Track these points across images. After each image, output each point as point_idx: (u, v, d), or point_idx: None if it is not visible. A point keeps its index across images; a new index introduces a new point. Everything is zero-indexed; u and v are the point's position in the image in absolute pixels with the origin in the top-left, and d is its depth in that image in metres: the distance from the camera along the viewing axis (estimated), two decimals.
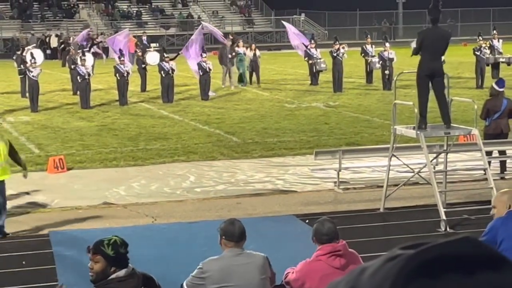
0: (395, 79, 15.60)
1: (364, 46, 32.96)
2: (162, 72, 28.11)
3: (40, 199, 14.53)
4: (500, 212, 7.51)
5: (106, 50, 53.13)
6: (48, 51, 52.26)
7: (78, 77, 27.06)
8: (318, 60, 32.32)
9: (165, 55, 28.63)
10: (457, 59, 38.89)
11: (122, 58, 28.43)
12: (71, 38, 49.10)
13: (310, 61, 32.66)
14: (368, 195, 14.64)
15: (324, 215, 11.96)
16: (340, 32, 54.45)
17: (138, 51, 34.12)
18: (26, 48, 32.68)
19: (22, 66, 29.09)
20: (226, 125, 22.53)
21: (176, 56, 30.19)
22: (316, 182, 15.72)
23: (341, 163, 15.08)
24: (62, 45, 50.98)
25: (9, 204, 13.74)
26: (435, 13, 12.89)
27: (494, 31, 33.53)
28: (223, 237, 6.51)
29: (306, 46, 33.27)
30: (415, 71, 13.09)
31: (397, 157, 13.58)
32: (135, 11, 66.96)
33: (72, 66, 29.62)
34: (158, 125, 22.85)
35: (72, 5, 66.18)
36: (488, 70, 31.24)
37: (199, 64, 28.52)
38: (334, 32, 54.56)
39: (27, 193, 14.97)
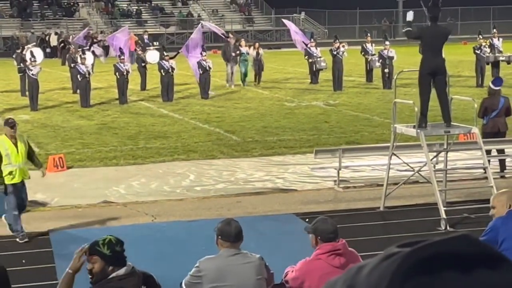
0: (395, 77, 15.60)
1: (364, 45, 32.96)
2: (162, 70, 28.11)
3: (39, 198, 14.52)
4: (500, 212, 7.51)
5: (106, 49, 53.28)
6: (48, 50, 52.24)
7: (78, 76, 27.05)
8: (318, 59, 32.31)
9: (165, 54, 28.63)
10: (457, 58, 38.89)
11: (122, 57, 28.42)
12: (71, 37, 49.11)
13: (310, 60, 32.64)
14: (368, 194, 14.63)
15: (324, 213, 11.98)
16: (340, 31, 54.48)
17: (138, 49, 34.10)
18: (26, 47, 32.68)
19: (22, 64, 29.07)
20: (226, 124, 22.52)
21: (176, 55, 30.17)
22: (316, 180, 15.71)
23: (341, 162, 15.08)
24: (62, 44, 50.97)
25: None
26: (435, 11, 12.89)
27: (494, 30, 33.52)
28: (219, 237, 6.50)
29: (306, 45, 33.26)
30: (415, 69, 13.09)
31: (397, 156, 13.58)
32: (135, 10, 66.94)
33: (72, 65, 29.63)
34: (158, 124, 22.84)
35: (72, 3, 66.15)
36: (488, 68, 31.23)
37: (199, 63, 28.50)
38: (334, 30, 54.61)
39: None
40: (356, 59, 35.18)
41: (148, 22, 65.36)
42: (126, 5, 67.81)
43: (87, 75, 26.82)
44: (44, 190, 15.06)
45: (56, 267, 10.67)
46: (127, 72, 27.69)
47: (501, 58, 32.00)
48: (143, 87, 31.47)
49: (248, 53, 32.51)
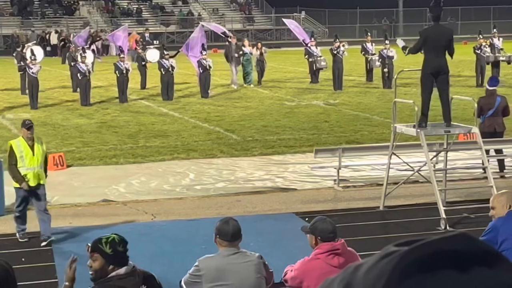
0: (395, 77, 15.59)
1: (364, 44, 32.96)
2: (162, 69, 28.11)
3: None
4: (499, 213, 7.51)
5: (106, 48, 53.24)
6: (48, 48, 52.22)
7: (78, 74, 27.05)
8: (318, 58, 32.28)
9: (165, 53, 28.62)
10: (457, 58, 38.76)
11: (122, 55, 28.43)
12: (71, 35, 49.10)
13: (310, 59, 32.62)
14: (368, 193, 14.64)
15: (323, 213, 12.00)
16: (340, 30, 54.44)
17: (139, 48, 34.09)
18: (26, 45, 32.67)
19: (22, 63, 29.08)
20: (226, 123, 22.52)
21: (176, 54, 30.17)
22: (316, 180, 15.71)
23: (341, 161, 15.08)
24: (62, 42, 50.96)
25: (8, 201, 13.74)
26: (436, 11, 12.88)
27: (495, 30, 33.52)
28: (218, 236, 6.50)
29: (306, 44, 33.23)
30: (416, 69, 13.09)
31: (397, 155, 13.58)
32: (135, 8, 66.92)
33: (72, 63, 29.63)
34: (158, 123, 22.84)
35: (72, 2, 66.12)
36: (488, 68, 31.23)
37: (199, 62, 28.50)
38: (334, 30, 54.59)
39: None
40: (356, 59, 35.17)
41: (149, 20, 65.34)
42: (126, 4, 67.78)
43: (87, 74, 26.82)
44: None
45: (55, 266, 10.68)
46: (127, 70, 27.69)
47: (501, 58, 31.99)
48: (143, 85, 31.47)
49: (251, 53, 32.24)
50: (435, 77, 12.73)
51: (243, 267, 6.44)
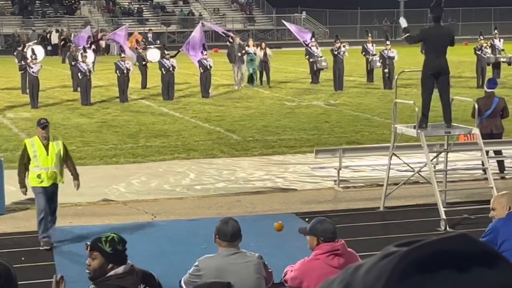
0: (396, 78, 15.59)
1: (365, 45, 32.97)
2: (162, 69, 28.11)
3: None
4: (499, 214, 7.51)
5: (107, 48, 53.24)
6: (49, 48, 52.22)
7: (79, 74, 27.05)
8: (319, 59, 32.26)
9: (166, 52, 28.62)
10: (458, 58, 38.88)
11: (123, 55, 28.43)
12: (72, 35, 49.12)
13: (311, 59, 32.60)
14: (368, 194, 14.63)
15: (324, 213, 12.00)
16: (341, 31, 54.44)
17: (139, 48, 34.09)
18: (27, 44, 32.69)
19: (22, 62, 29.10)
20: (227, 123, 22.52)
21: (176, 54, 30.18)
22: (316, 180, 15.71)
23: (341, 162, 15.08)
24: (63, 42, 50.97)
25: (8, 200, 13.75)
26: (437, 12, 12.88)
27: (495, 31, 33.52)
28: (217, 236, 6.51)
29: (307, 44, 33.23)
30: (416, 70, 13.09)
31: (397, 156, 13.58)
32: (136, 8, 66.92)
33: (73, 63, 29.63)
34: (159, 122, 22.84)
35: (73, 1, 66.12)
36: (489, 69, 31.23)
37: (199, 62, 28.50)
38: (335, 30, 54.58)
39: None
40: (357, 59, 35.18)
41: (149, 20, 65.35)
42: (127, 4, 67.79)
43: (87, 73, 26.82)
44: None
45: (55, 265, 10.68)
46: (128, 70, 27.69)
47: (502, 59, 31.99)
48: (144, 85, 31.47)
49: (255, 53, 31.85)
50: (436, 78, 12.73)
51: (243, 267, 6.44)
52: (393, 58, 30.62)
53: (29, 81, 26.75)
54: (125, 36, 34.28)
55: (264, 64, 32.09)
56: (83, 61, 27.16)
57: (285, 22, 40.12)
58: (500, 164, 15.94)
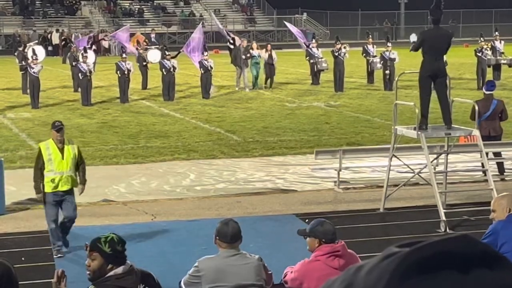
0: (396, 79, 15.60)
1: (365, 46, 32.97)
2: (163, 70, 28.11)
3: (40, 196, 14.48)
4: (500, 216, 7.52)
5: (107, 49, 53.25)
6: (50, 48, 52.23)
7: (79, 74, 27.05)
8: (320, 60, 32.25)
9: (167, 53, 28.63)
10: (459, 60, 38.88)
11: (124, 56, 28.44)
12: (73, 35, 49.13)
13: (312, 61, 32.59)
14: (368, 195, 14.63)
15: (324, 214, 11.99)
16: (342, 32, 54.46)
17: (140, 48, 34.09)
18: (28, 45, 32.69)
19: (23, 62, 29.11)
20: (227, 124, 22.53)
21: (177, 54, 30.18)
22: (316, 181, 15.71)
23: (342, 163, 15.08)
24: (64, 42, 50.98)
25: (8, 200, 13.75)
26: (437, 14, 12.88)
27: (496, 33, 33.51)
28: (217, 237, 6.51)
29: (308, 46, 33.23)
30: (417, 71, 13.09)
31: (397, 158, 13.57)
32: (137, 9, 66.94)
33: (74, 63, 29.63)
34: (159, 123, 22.84)
35: (74, 2, 66.14)
36: (489, 71, 31.23)
37: (200, 63, 28.49)
38: (335, 31, 54.57)
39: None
40: (357, 61, 35.18)
41: (150, 21, 65.36)
42: (128, 4, 67.81)
43: (88, 74, 26.82)
44: None
45: (55, 265, 10.67)
46: (129, 71, 27.70)
47: (502, 61, 31.99)
48: (144, 86, 31.47)
49: (260, 56, 31.56)
50: (433, 79, 12.74)
51: (243, 269, 6.44)
52: (394, 59, 30.61)
53: (30, 81, 26.76)
54: (127, 37, 34.29)
55: (270, 67, 31.72)
56: (84, 62, 27.16)
57: (286, 23, 40.13)
58: (500, 166, 15.94)
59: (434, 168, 13.70)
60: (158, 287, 5.84)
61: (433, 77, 12.70)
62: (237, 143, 19.62)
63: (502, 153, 16.12)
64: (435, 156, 14.17)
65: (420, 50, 12.87)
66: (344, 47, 31.41)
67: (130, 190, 15.08)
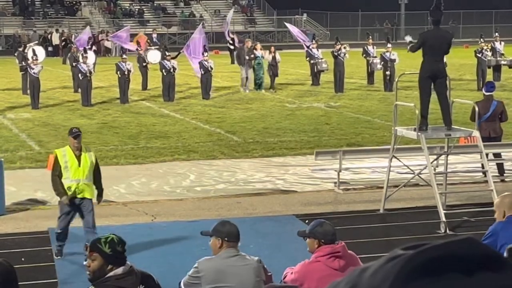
0: (396, 80, 15.60)
1: (365, 47, 32.98)
2: (163, 70, 28.11)
3: (39, 196, 14.52)
4: (499, 216, 7.53)
5: (108, 50, 53.25)
6: (50, 48, 52.23)
7: (80, 75, 27.05)
8: (320, 60, 32.24)
9: (167, 54, 28.63)
10: (459, 61, 38.89)
11: (124, 56, 28.44)
12: (73, 36, 49.10)
13: (312, 61, 32.58)
14: (368, 196, 14.63)
15: (324, 215, 11.99)
16: (342, 33, 54.49)
17: (139, 49, 34.10)
18: (28, 45, 32.70)
19: (23, 63, 29.11)
20: (227, 124, 22.53)
21: (177, 55, 30.19)
22: (316, 182, 15.71)
23: (342, 164, 15.08)
24: (64, 42, 50.98)
25: (8, 201, 13.75)
26: (437, 15, 12.89)
27: (496, 34, 33.52)
28: (220, 238, 6.50)
29: (308, 46, 33.22)
30: (417, 72, 13.09)
31: (397, 158, 13.57)
32: (137, 9, 66.94)
33: (74, 64, 29.63)
34: (159, 124, 22.84)
35: (74, 2, 66.14)
36: (489, 72, 31.23)
37: (200, 63, 28.48)
38: (336, 32, 54.62)
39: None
40: (357, 61, 35.18)
41: (150, 22, 65.36)
42: (128, 5, 67.81)
43: (88, 74, 26.82)
44: (44, 188, 15.03)
45: (55, 266, 10.68)
46: (129, 71, 27.70)
47: (502, 62, 31.99)
48: (144, 86, 31.47)
49: (263, 57, 31.22)
50: (433, 80, 12.73)
51: (243, 270, 6.44)
52: (394, 60, 30.61)
53: (30, 81, 26.76)
54: (127, 38, 34.29)
55: (273, 68, 31.46)
56: (84, 62, 27.16)
57: (287, 24, 40.15)
58: (500, 167, 15.94)
59: (434, 169, 13.70)
60: None
61: (433, 78, 12.70)
62: (237, 143, 19.62)
63: (502, 154, 16.12)
64: (435, 157, 14.17)
65: (420, 51, 12.86)
66: (344, 47, 31.40)
67: (130, 191, 15.07)
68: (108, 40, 50.09)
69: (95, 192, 10.91)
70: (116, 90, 28.75)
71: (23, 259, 10.91)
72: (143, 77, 31.66)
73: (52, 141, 20.10)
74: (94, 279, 5.59)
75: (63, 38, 52.64)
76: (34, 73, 26.38)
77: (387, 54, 30.72)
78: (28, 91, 27.38)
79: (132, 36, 37.83)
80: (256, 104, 27.08)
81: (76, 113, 25.16)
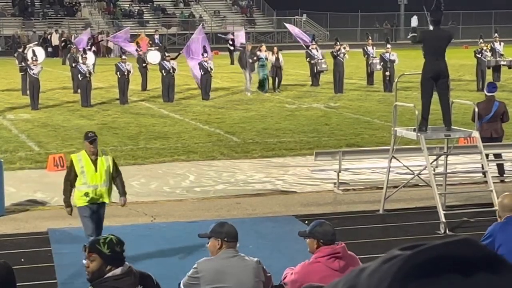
0: (396, 80, 15.60)
1: (365, 48, 32.98)
2: (163, 71, 28.11)
3: (39, 197, 14.52)
4: (500, 215, 7.58)
5: (108, 49, 53.25)
6: (50, 49, 52.23)
7: (79, 75, 27.05)
8: (319, 61, 32.23)
9: (166, 54, 28.63)
10: (458, 62, 38.89)
11: (123, 57, 28.44)
12: (73, 36, 49.11)
13: (312, 62, 32.57)
14: (368, 197, 14.63)
15: (323, 216, 11.98)
16: (342, 33, 54.46)
17: (139, 50, 34.11)
18: (27, 46, 32.70)
19: (23, 63, 29.11)
20: (227, 125, 22.52)
21: (177, 56, 30.18)
22: (316, 183, 15.71)
23: (341, 164, 15.08)
24: (64, 43, 50.97)
25: (8, 202, 13.74)
26: (437, 15, 12.89)
27: (496, 34, 33.51)
28: (221, 238, 6.50)
29: (308, 47, 33.22)
30: (417, 73, 13.09)
31: (397, 159, 13.57)
32: (136, 10, 66.93)
33: (73, 64, 29.63)
34: (159, 124, 22.84)
35: (73, 3, 66.13)
36: (489, 73, 31.23)
37: (200, 64, 28.47)
38: (335, 33, 54.60)
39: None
40: (357, 62, 35.18)
41: (150, 22, 65.35)
42: (128, 6, 67.80)
43: (87, 75, 26.82)
44: (44, 189, 15.06)
45: (55, 266, 10.68)
46: (128, 72, 27.70)
47: (502, 63, 31.99)
48: (144, 87, 31.47)
49: (266, 58, 30.99)
50: (435, 81, 12.73)
51: (242, 270, 6.44)
52: (393, 61, 30.61)
53: (30, 82, 26.75)
54: (126, 39, 34.30)
55: (276, 70, 31.18)
56: (84, 63, 27.15)
57: (286, 25, 40.14)
58: (500, 168, 15.94)
59: (434, 170, 13.70)
60: None
61: (435, 78, 12.69)
62: (237, 144, 19.62)
63: (502, 154, 16.12)
64: (434, 157, 14.17)
65: (420, 52, 12.85)
66: (344, 48, 31.39)
67: (130, 191, 14.97)
68: (102, 41, 50.12)
69: (111, 195, 10.65)
70: (115, 90, 28.74)
71: (22, 259, 10.90)
72: (142, 77, 31.66)
73: (51, 141, 20.10)
74: (93, 280, 5.59)
75: (62, 39, 52.63)
76: (33, 73, 26.38)
77: (387, 54, 30.72)
78: (28, 92, 27.38)
79: (132, 37, 37.82)
80: (256, 105, 27.08)
81: (75, 114, 25.16)
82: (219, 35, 38.48)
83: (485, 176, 13.44)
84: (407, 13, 73.22)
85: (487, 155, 15.21)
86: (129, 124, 22.98)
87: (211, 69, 28.62)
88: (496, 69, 31.95)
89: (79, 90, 28.12)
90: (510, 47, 39.33)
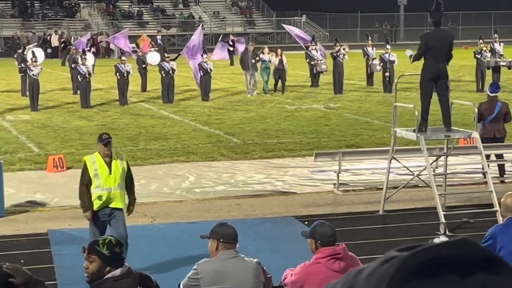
0: (396, 81, 15.60)
1: (364, 48, 32.98)
2: (162, 72, 28.11)
3: (39, 198, 14.52)
4: (503, 215, 7.60)
5: (108, 50, 53.26)
6: (49, 50, 52.24)
7: (79, 76, 27.06)
8: (319, 62, 32.22)
9: (166, 55, 28.63)
10: (458, 62, 38.87)
11: (123, 58, 28.44)
12: (72, 37, 49.12)
13: (312, 62, 32.57)
14: (368, 197, 14.63)
15: (323, 217, 11.97)
16: (342, 34, 54.44)
17: (139, 51, 34.12)
18: (27, 47, 32.70)
19: (22, 64, 29.11)
20: (226, 126, 22.52)
21: (177, 57, 30.18)
22: (315, 183, 15.70)
23: (341, 165, 15.08)
24: (63, 44, 50.98)
25: (8, 203, 13.74)
26: (437, 16, 12.88)
27: (495, 35, 33.51)
28: (220, 239, 6.50)
29: (307, 47, 33.22)
30: (416, 73, 13.09)
31: (397, 160, 13.57)
32: (136, 11, 66.95)
33: (73, 65, 29.63)
34: (158, 125, 22.84)
35: (73, 4, 66.15)
36: (488, 73, 31.22)
37: (200, 65, 28.48)
38: (335, 34, 54.60)
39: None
40: (357, 63, 35.19)
41: (149, 23, 65.37)
42: (127, 6, 67.82)
43: (87, 76, 26.83)
44: (44, 190, 15.06)
45: (55, 267, 10.67)
46: (128, 73, 27.69)
47: (501, 63, 31.97)
48: (144, 88, 31.47)
49: (269, 61, 30.82)
50: (435, 82, 12.72)
51: (242, 271, 6.44)
52: (393, 62, 30.61)
53: (29, 83, 26.75)
54: (126, 40, 34.31)
55: (280, 72, 30.94)
56: (83, 64, 27.15)
57: (284, 26, 40.12)
58: (501, 168, 15.95)
59: (434, 170, 13.69)
60: None
61: (435, 79, 12.68)
62: (237, 145, 19.62)
63: (503, 155, 16.13)
64: (434, 158, 14.17)
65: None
66: (344, 48, 31.39)
67: None
68: (101, 42, 50.13)
69: (127, 201, 10.34)
70: (115, 91, 28.74)
71: (22, 261, 10.88)
72: (142, 78, 31.66)
73: (51, 142, 20.10)
74: (92, 281, 5.59)
75: (62, 40, 52.64)
76: (33, 75, 26.37)
77: (386, 55, 30.73)
78: (27, 93, 27.37)
79: (132, 38, 37.80)
80: (256, 106, 27.08)
81: (75, 115, 25.16)
82: (220, 41, 38.47)
83: (485, 177, 13.44)
84: (406, 13, 73.28)
85: (489, 156, 15.23)
86: (128, 125, 22.98)
87: (211, 70, 28.62)
88: (496, 69, 31.93)
89: (78, 91, 28.12)
90: (509, 48, 39.34)
